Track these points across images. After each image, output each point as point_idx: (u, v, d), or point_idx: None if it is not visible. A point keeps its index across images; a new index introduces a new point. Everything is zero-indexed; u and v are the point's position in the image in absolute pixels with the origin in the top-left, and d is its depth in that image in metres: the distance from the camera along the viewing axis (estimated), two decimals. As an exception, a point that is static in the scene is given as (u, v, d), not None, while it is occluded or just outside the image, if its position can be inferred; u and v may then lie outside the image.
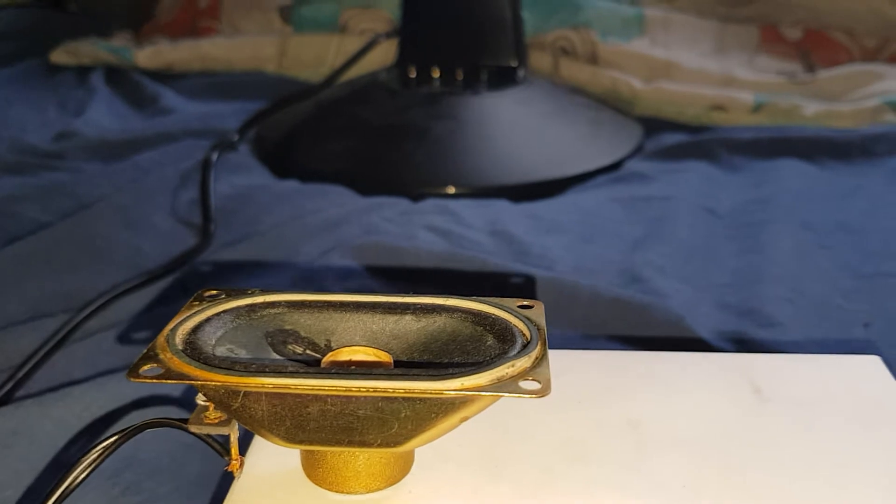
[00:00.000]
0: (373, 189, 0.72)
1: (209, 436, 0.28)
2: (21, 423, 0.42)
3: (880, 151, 0.74)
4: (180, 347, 0.25)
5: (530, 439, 0.29)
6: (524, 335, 0.26)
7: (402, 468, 0.27)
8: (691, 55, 0.90)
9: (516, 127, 0.80)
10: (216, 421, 0.27)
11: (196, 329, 0.27)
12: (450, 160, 0.76)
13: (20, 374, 0.46)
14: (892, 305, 0.52)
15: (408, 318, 0.28)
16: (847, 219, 0.64)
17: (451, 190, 0.72)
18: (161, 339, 0.26)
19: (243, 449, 0.28)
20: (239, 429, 0.27)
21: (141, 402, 0.44)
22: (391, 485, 0.27)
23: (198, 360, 0.25)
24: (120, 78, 1.03)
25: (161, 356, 0.25)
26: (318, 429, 0.25)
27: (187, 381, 0.24)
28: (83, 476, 0.26)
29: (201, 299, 0.29)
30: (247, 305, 0.28)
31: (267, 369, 0.24)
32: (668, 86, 0.86)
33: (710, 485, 0.27)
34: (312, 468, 0.27)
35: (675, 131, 0.82)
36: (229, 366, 0.24)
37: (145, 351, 0.25)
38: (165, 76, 1.04)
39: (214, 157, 0.74)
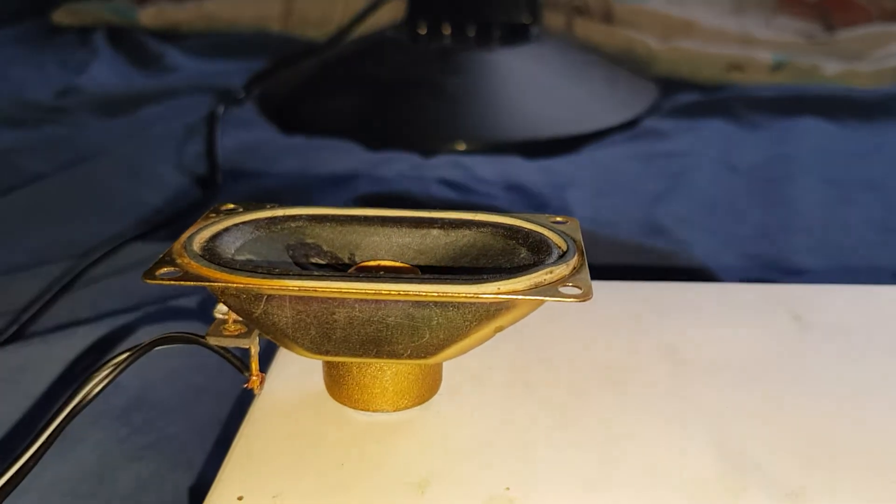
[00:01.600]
0: (382, 144, 0.70)
1: (228, 350, 0.26)
2: (27, 360, 0.40)
3: (902, 110, 0.72)
4: (199, 253, 0.24)
5: (563, 363, 0.28)
6: (559, 247, 0.25)
7: (431, 387, 0.26)
8: (708, 14, 0.88)
9: (529, 84, 0.78)
10: (236, 333, 0.25)
11: (214, 237, 0.25)
12: (461, 116, 0.74)
13: (25, 317, 0.45)
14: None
15: (435, 232, 0.27)
16: (870, 175, 0.62)
17: (463, 146, 0.71)
18: (178, 245, 0.24)
19: (263, 367, 0.27)
20: (259, 343, 0.26)
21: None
22: (418, 404, 0.26)
23: (217, 265, 0.23)
24: (123, 37, 1.01)
25: (179, 261, 0.23)
26: (345, 338, 0.23)
27: (207, 284, 0.22)
28: (96, 391, 0.25)
29: (217, 212, 0.27)
30: (267, 217, 0.27)
31: (291, 273, 0.23)
32: (686, 45, 0.84)
33: (750, 410, 0.26)
34: (337, 385, 0.25)
35: (692, 91, 0.80)
36: (252, 269, 0.23)
37: (161, 256, 0.24)
38: (169, 36, 1.02)
39: (221, 109, 0.72)
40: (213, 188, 0.61)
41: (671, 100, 0.79)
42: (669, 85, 0.83)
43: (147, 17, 1.03)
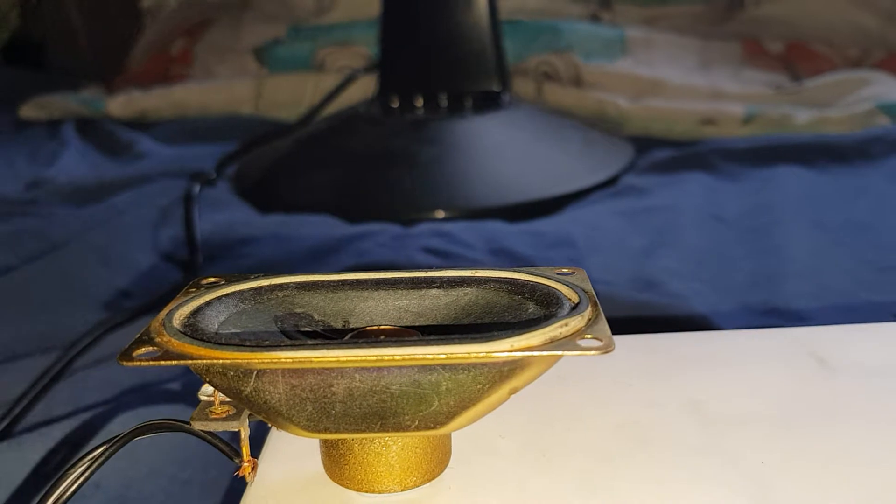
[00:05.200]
0: (361, 217, 0.69)
1: (215, 435, 0.24)
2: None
3: (877, 153, 0.73)
4: (180, 330, 0.22)
5: (580, 425, 0.26)
6: (570, 299, 0.23)
7: (440, 460, 0.23)
8: (676, 72, 0.89)
9: (505, 149, 0.78)
10: (223, 415, 0.23)
11: (195, 313, 0.23)
12: (439, 184, 0.73)
13: (5, 422, 0.42)
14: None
15: (434, 292, 0.25)
16: (856, 217, 0.62)
17: (443, 214, 0.70)
18: (156, 323, 0.22)
19: (254, 451, 0.24)
20: (249, 425, 0.24)
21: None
22: (428, 481, 0.23)
23: (201, 341, 0.21)
24: (92, 128, 1.00)
25: (158, 339, 0.21)
26: (346, 412, 0.21)
27: (190, 363, 0.20)
28: (70, 491, 0.22)
29: (198, 286, 0.25)
30: (252, 288, 0.25)
31: (283, 344, 0.21)
32: (656, 103, 0.85)
33: (791, 464, 0.24)
34: (337, 466, 0.23)
35: (667, 147, 0.81)
36: (238, 343, 0.21)
37: (138, 335, 0.22)
38: (139, 123, 1.01)
39: (196, 189, 0.70)
40: (193, 270, 0.59)
41: (648, 157, 0.79)
42: (644, 142, 0.83)
43: (116, 106, 1.02)
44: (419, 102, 0.82)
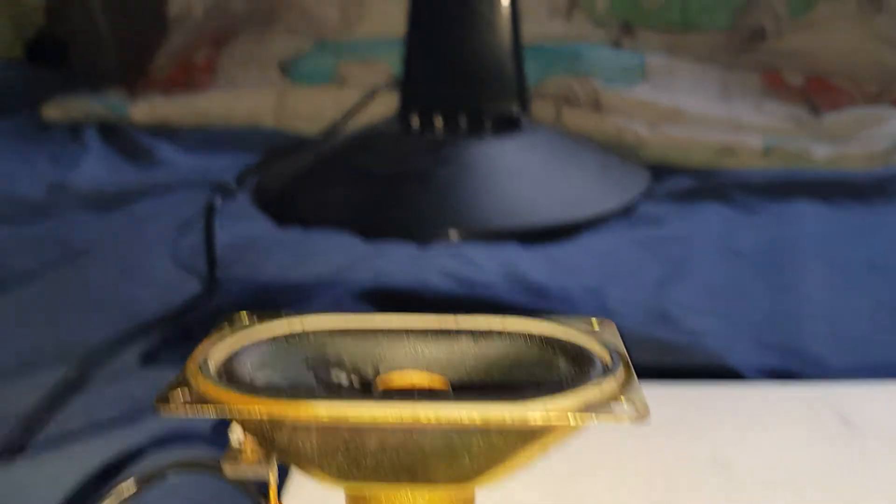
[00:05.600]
0: (377, 235, 0.69)
1: (244, 479, 0.24)
2: (16, 485, 0.38)
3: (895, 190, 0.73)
4: (216, 374, 0.22)
5: (604, 478, 0.26)
6: (601, 357, 0.24)
7: (465, 512, 0.24)
8: (696, 100, 0.90)
9: (522, 171, 0.78)
10: (254, 461, 0.23)
11: (231, 355, 0.24)
12: (456, 205, 0.74)
13: (16, 433, 0.42)
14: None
15: (463, 341, 0.25)
16: (872, 256, 0.62)
17: (458, 235, 0.70)
18: (192, 364, 0.23)
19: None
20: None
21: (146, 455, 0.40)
22: (453, 532, 0.24)
23: (237, 386, 0.21)
24: (114, 133, 1.01)
25: (194, 383, 0.22)
26: (376, 465, 0.21)
27: (227, 412, 0.21)
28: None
29: (231, 322, 0.26)
30: (284, 331, 0.25)
31: (319, 396, 0.21)
32: (674, 131, 0.85)
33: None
34: (363, 514, 0.23)
35: (684, 176, 0.81)
36: (275, 392, 0.21)
37: (175, 378, 0.22)
38: (161, 131, 1.02)
39: (218, 201, 0.71)
40: (212, 283, 0.60)
41: (664, 185, 0.79)
42: (661, 170, 0.83)
43: (138, 111, 1.03)
44: (439, 122, 0.83)
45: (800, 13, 0.98)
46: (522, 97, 0.84)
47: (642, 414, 0.20)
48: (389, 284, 0.59)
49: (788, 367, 0.46)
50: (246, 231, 0.72)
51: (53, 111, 1.06)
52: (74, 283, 0.62)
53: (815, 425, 0.28)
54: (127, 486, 0.23)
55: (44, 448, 0.41)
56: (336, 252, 0.67)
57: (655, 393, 0.31)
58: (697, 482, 0.26)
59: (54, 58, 1.36)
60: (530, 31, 0.95)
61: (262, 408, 0.20)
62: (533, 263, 0.64)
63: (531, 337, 0.25)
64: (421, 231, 0.70)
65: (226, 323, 0.26)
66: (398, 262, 0.64)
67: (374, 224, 0.72)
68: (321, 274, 0.62)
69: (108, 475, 0.37)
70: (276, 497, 0.24)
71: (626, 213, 0.74)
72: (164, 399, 0.21)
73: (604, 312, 0.55)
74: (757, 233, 0.67)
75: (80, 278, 0.63)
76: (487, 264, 0.64)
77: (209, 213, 0.68)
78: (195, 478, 0.25)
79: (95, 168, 0.90)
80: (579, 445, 0.28)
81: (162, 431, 0.40)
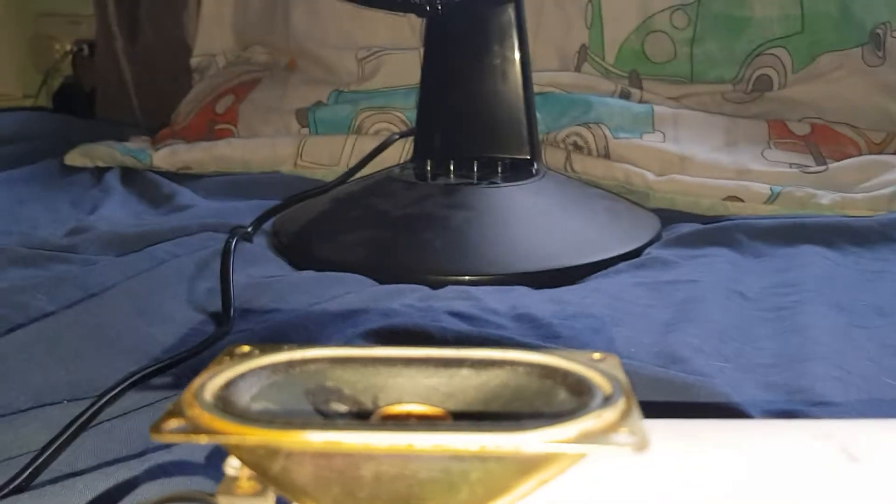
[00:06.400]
0: (391, 277, 0.71)
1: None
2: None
3: (901, 237, 0.73)
4: (212, 403, 0.23)
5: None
6: (602, 388, 0.24)
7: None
8: (703, 149, 0.91)
9: (533, 216, 0.79)
10: (251, 491, 0.24)
11: (228, 385, 0.24)
12: (468, 249, 0.75)
13: (30, 470, 0.43)
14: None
15: (464, 372, 0.26)
16: (877, 301, 0.63)
17: (469, 278, 0.71)
18: (188, 394, 0.23)
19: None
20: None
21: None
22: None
23: (231, 415, 0.22)
24: (135, 177, 1.04)
25: (189, 412, 0.22)
26: (372, 495, 0.21)
27: (220, 440, 0.21)
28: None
29: (231, 355, 0.26)
30: (285, 361, 0.26)
31: (313, 424, 0.21)
32: (682, 178, 0.87)
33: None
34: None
35: (692, 221, 0.82)
36: (269, 421, 0.21)
37: (170, 406, 0.22)
38: (181, 176, 1.04)
39: (234, 243, 0.73)
40: (226, 324, 0.61)
41: (672, 230, 0.81)
42: (669, 215, 0.84)
43: (160, 159, 1.06)
44: (452, 168, 0.85)
45: (804, 64, 1.00)
46: (533, 144, 0.86)
47: (641, 443, 0.20)
48: (400, 325, 0.60)
49: (795, 408, 0.46)
50: (261, 272, 0.73)
51: (76, 158, 1.09)
52: (90, 323, 0.63)
53: (820, 461, 0.28)
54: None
55: (49, 486, 0.41)
56: (349, 293, 0.68)
57: (660, 428, 0.31)
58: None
59: (81, 107, 1.40)
60: (540, 79, 0.98)
61: (254, 436, 0.21)
62: (543, 305, 0.65)
63: (532, 367, 0.25)
64: (433, 274, 0.72)
65: (226, 355, 0.26)
66: (410, 303, 0.65)
67: (387, 267, 0.73)
68: (334, 314, 0.64)
69: (98, 501, 0.38)
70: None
71: (635, 256, 0.75)
72: (157, 428, 0.21)
73: (611, 352, 0.55)
74: (764, 277, 0.68)
75: (95, 318, 0.63)
76: (497, 306, 0.64)
77: (225, 254, 0.70)
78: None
79: (115, 211, 0.92)
80: (580, 474, 0.28)
81: (165, 465, 0.40)
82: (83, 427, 0.47)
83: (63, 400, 0.51)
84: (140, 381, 0.52)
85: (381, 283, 0.70)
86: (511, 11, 0.84)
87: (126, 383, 0.51)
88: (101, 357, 0.57)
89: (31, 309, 0.66)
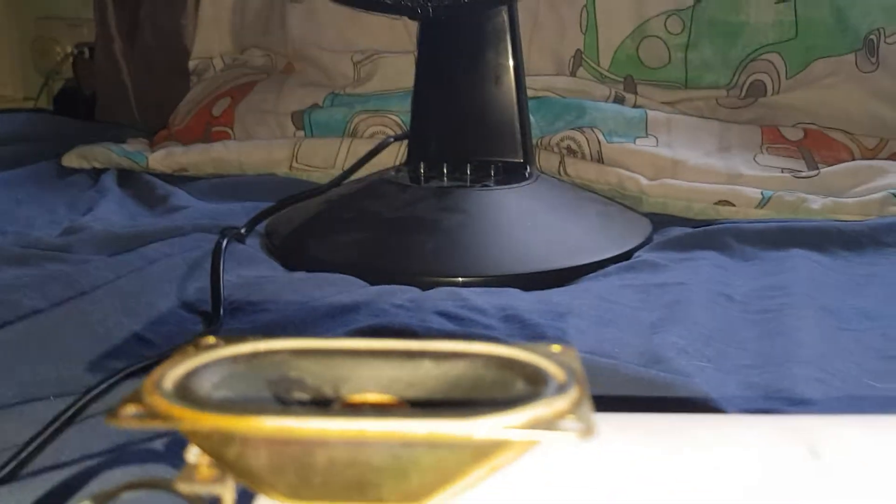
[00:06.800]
0: (382, 278, 0.71)
1: (200, 497, 0.24)
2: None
3: (890, 241, 0.73)
4: (171, 391, 0.23)
5: (566, 499, 0.27)
6: (557, 378, 0.24)
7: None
8: (696, 153, 0.91)
9: (525, 219, 0.80)
10: (209, 478, 0.24)
11: (189, 374, 0.24)
12: (459, 251, 0.75)
13: (13, 463, 0.43)
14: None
15: (426, 364, 0.26)
16: (865, 305, 0.63)
17: (461, 280, 0.71)
18: (149, 382, 0.23)
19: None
20: (238, 492, 0.25)
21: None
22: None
23: (189, 402, 0.22)
24: (131, 179, 1.04)
25: (147, 399, 0.22)
26: (326, 482, 0.22)
27: (175, 425, 0.21)
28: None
29: (197, 346, 0.26)
30: (248, 352, 0.26)
31: (267, 410, 0.21)
32: (675, 182, 0.87)
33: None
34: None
35: (683, 224, 0.82)
36: (224, 407, 0.22)
37: (130, 394, 0.23)
38: (177, 178, 1.05)
39: (224, 243, 0.73)
40: (215, 322, 0.61)
41: (664, 233, 0.81)
42: (661, 219, 0.85)
43: (156, 161, 1.06)
44: (445, 171, 0.85)
45: (798, 70, 1.01)
46: (526, 148, 0.86)
47: (588, 430, 0.21)
48: (388, 324, 0.61)
49: (772, 406, 0.47)
50: (253, 273, 0.74)
51: (73, 160, 1.09)
52: (79, 320, 0.63)
53: (781, 457, 0.29)
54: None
55: (31, 478, 0.42)
56: (339, 294, 0.68)
57: (617, 421, 0.31)
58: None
59: (81, 110, 1.41)
60: (535, 84, 0.99)
61: (209, 421, 0.21)
62: (531, 306, 0.65)
63: (491, 359, 0.25)
64: (424, 275, 0.72)
65: (192, 346, 0.26)
66: (399, 303, 0.65)
67: (379, 268, 0.74)
68: (323, 314, 0.64)
69: (61, 496, 0.38)
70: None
71: (625, 259, 0.75)
72: (115, 414, 0.22)
73: (598, 353, 0.56)
74: (752, 280, 0.68)
75: (84, 316, 0.64)
76: (486, 307, 0.65)
77: (216, 254, 0.70)
78: (151, 497, 0.25)
79: (110, 212, 0.92)
80: (542, 466, 0.28)
81: (146, 454, 0.41)
82: (68, 422, 0.48)
83: (49, 396, 0.52)
84: (126, 378, 0.53)
85: (373, 284, 0.70)
86: (504, 15, 0.85)
87: (111, 380, 0.52)
88: (90, 354, 0.58)
89: (22, 307, 0.66)
